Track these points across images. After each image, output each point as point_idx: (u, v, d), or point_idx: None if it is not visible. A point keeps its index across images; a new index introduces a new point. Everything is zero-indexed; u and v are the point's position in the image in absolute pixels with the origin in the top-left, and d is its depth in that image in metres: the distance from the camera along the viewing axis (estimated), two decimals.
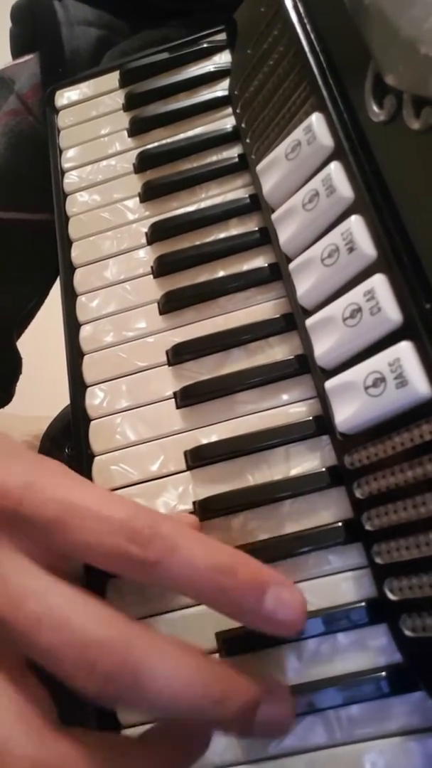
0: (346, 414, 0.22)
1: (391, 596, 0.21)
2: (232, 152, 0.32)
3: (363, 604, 0.23)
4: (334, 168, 0.24)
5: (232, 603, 0.20)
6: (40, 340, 0.51)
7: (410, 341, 0.20)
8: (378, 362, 0.21)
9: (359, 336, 0.22)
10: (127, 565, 0.20)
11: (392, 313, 0.21)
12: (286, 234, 0.25)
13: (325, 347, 0.23)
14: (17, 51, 0.42)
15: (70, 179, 0.35)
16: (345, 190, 0.23)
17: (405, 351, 0.20)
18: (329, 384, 0.23)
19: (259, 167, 0.27)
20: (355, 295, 0.22)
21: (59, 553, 0.21)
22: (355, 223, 0.22)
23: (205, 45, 0.35)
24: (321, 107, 0.25)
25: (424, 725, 0.21)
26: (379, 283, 0.21)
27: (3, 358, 0.48)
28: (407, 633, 0.21)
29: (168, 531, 0.20)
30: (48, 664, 0.19)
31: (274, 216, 0.26)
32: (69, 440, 0.39)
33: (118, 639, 0.19)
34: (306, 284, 0.24)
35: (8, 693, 0.19)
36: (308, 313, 0.25)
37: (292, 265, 0.25)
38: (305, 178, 0.25)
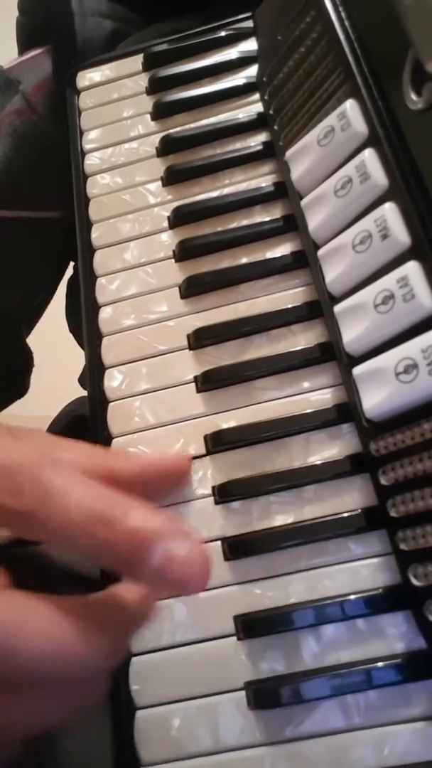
0: (375, 400, 0.22)
1: (415, 582, 0.21)
2: (258, 139, 0.32)
3: (382, 590, 0.23)
4: (369, 155, 0.24)
5: (112, 557, 0.18)
6: (40, 341, 0.51)
7: None
8: (411, 349, 0.21)
9: (391, 322, 0.22)
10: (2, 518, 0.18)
11: (426, 300, 0.21)
12: (315, 220, 0.25)
13: (354, 333, 0.23)
14: (24, 41, 0.42)
15: (91, 161, 0.34)
16: (379, 177, 0.23)
17: None
18: (357, 370, 0.23)
19: (288, 153, 0.27)
20: (388, 281, 0.22)
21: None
22: (390, 211, 0.22)
23: (230, 32, 0.35)
24: (356, 94, 0.25)
25: None
26: (412, 270, 0.21)
27: (14, 352, 0.48)
28: None
29: (47, 478, 0.18)
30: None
31: (303, 202, 0.26)
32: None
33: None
34: (335, 271, 0.24)
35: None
36: (336, 300, 0.25)
37: (321, 252, 0.25)
38: (338, 164, 0.25)
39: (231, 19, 0.35)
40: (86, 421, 0.30)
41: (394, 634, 0.22)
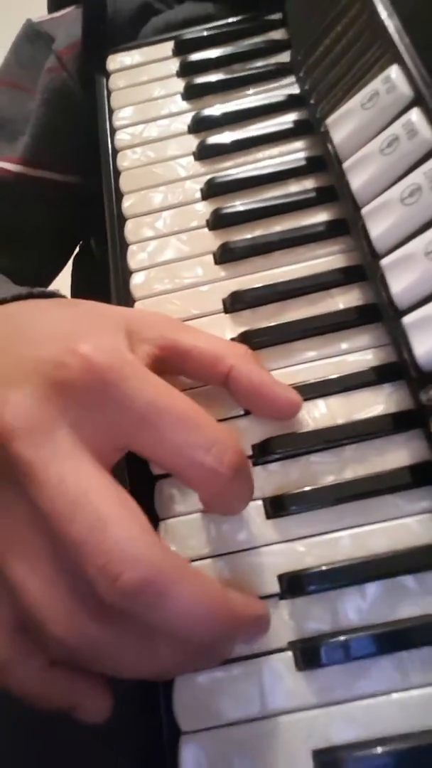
0: (429, 346, 0.22)
1: None
2: (291, 117, 0.32)
3: None
4: (416, 114, 0.24)
5: None
6: None
7: None
8: None
9: None
10: (203, 475, 0.20)
11: None
12: (360, 180, 0.26)
13: (403, 284, 0.23)
14: (55, 4, 0.43)
15: (122, 136, 0.35)
16: (427, 132, 0.23)
17: None
18: (408, 319, 0.23)
19: (329, 120, 0.28)
20: None
21: (125, 448, 0.20)
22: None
23: (259, 22, 0.36)
24: (398, 60, 0.25)
25: None
26: None
27: None
28: None
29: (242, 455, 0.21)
30: (72, 555, 0.18)
31: (346, 164, 0.27)
32: None
33: (146, 558, 0.18)
34: (382, 226, 0.24)
35: (41, 555, 0.19)
36: (382, 256, 0.25)
37: (365, 209, 0.25)
38: (383, 126, 0.25)
39: (259, 12, 0.37)
40: None
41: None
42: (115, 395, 0.20)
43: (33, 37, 0.41)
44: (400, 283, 0.23)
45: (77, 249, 0.50)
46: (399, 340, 0.23)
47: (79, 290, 0.51)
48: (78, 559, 0.18)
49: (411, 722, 0.20)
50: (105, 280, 0.31)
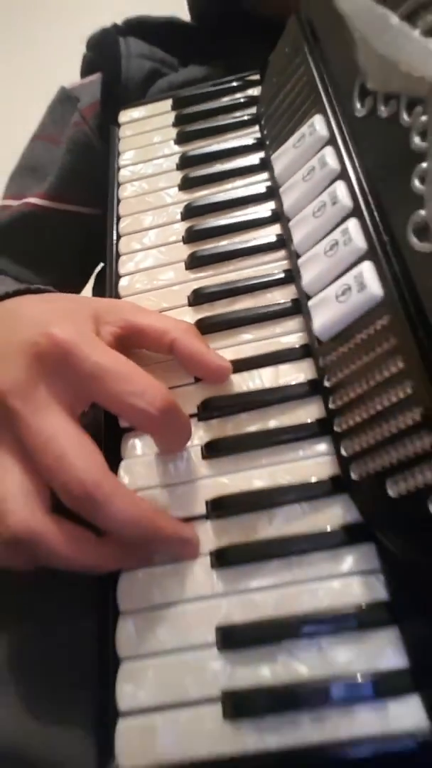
0: (322, 320, 0.28)
1: (354, 476, 0.26)
2: (256, 157, 0.40)
3: (329, 478, 0.28)
4: (328, 151, 0.31)
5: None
6: None
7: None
8: (346, 278, 0.27)
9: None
10: (140, 416, 0.27)
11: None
12: (288, 201, 0.33)
13: (310, 278, 0.30)
14: (85, 70, 0.53)
15: (124, 173, 0.43)
16: (333, 163, 0.31)
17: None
18: (311, 302, 0.29)
19: (274, 155, 0.35)
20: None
21: (86, 400, 0.28)
22: (339, 187, 0.30)
23: (241, 82, 0.45)
24: (321, 110, 0.33)
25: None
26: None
27: None
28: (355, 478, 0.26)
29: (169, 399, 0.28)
30: (43, 474, 0.26)
31: (282, 190, 0.34)
32: None
33: (91, 478, 0.25)
34: (301, 234, 0.31)
35: (19, 470, 0.26)
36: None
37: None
38: (308, 158, 0.33)
39: (245, 74, 0.45)
40: None
41: (332, 514, 0.27)
42: (73, 361, 0.27)
43: (64, 99, 0.52)
44: (309, 278, 0.30)
45: (98, 268, 0.59)
46: (308, 322, 0.30)
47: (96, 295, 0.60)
48: (47, 476, 0.26)
49: (284, 610, 0.26)
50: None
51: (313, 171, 0.31)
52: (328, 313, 0.28)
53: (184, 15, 0.53)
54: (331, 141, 0.32)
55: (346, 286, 0.27)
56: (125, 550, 0.28)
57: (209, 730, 0.24)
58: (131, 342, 0.31)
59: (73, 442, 0.26)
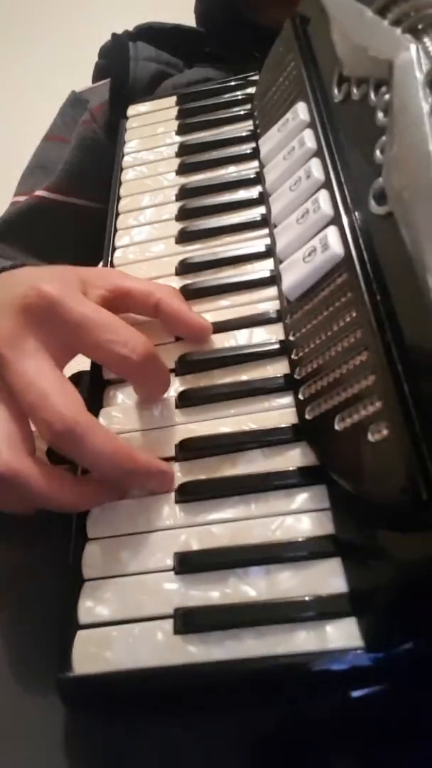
0: (289, 281, 0.30)
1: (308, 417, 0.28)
2: (248, 147, 0.43)
3: (290, 425, 0.30)
4: (307, 133, 0.34)
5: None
6: None
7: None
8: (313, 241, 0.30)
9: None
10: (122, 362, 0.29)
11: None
12: (270, 179, 0.36)
13: (284, 244, 0.32)
14: (96, 76, 0.57)
15: (128, 159, 0.47)
16: (311, 143, 0.33)
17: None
18: (282, 265, 0.32)
19: (261, 140, 0.38)
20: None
21: (71, 349, 0.30)
22: (314, 163, 0.32)
23: (239, 81, 0.48)
24: (305, 98, 0.36)
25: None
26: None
27: None
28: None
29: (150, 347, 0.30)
30: (27, 413, 0.28)
31: (265, 170, 0.37)
32: None
33: (71, 415, 0.27)
34: (278, 207, 0.34)
35: (4, 415, 0.28)
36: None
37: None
38: (290, 140, 0.35)
39: (244, 75, 0.49)
40: None
41: (291, 456, 0.29)
42: (59, 311, 0.29)
43: (75, 102, 0.56)
44: (282, 245, 0.32)
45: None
46: (280, 286, 0.32)
47: None
48: (30, 415, 0.28)
49: (238, 541, 0.27)
50: None
51: (293, 150, 0.34)
52: (296, 273, 0.30)
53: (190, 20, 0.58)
54: (311, 125, 0.35)
55: (312, 248, 0.30)
56: (103, 488, 0.30)
57: (160, 642, 0.26)
58: (118, 305, 0.33)
59: (56, 384, 0.28)
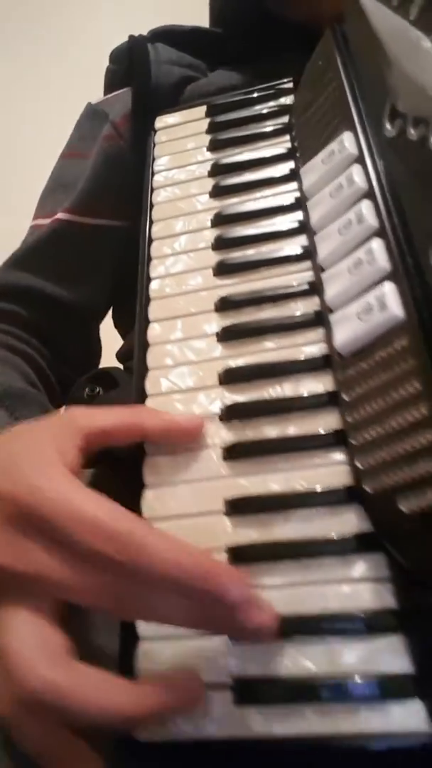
0: (344, 336, 0.29)
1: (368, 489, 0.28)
2: (286, 167, 0.41)
3: (343, 488, 0.29)
4: (356, 170, 0.32)
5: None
6: None
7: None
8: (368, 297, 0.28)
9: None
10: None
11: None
12: (315, 216, 0.34)
13: (334, 292, 0.31)
14: (109, 85, 0.54)
15: (158, 178, 0.45)
16: (361, 181, 0.32)
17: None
18: (333, 317, 0.30)
19: (303, 169, 0.36)
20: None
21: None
22: (366, 206, 0.31)
23: (273, 91, 0.46)
24: (351, 128, 0.34)
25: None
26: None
27: (87, 347, 0.57)
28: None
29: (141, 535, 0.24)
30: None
31: (309, 204, 0.35)
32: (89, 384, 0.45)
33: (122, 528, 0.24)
34: (326, 249, 0.32)
35: (37, 625, 0.25)
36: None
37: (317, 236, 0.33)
38: (336, 175, 0.34)
39: (277, 82, 0.46)
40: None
41: (346, 521, 0.29)
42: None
43: (91, 115, 0.53)
44: (333, 293, 0.31)
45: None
46: (329, 335, 0.31)
47: (117, 307, 0.61)
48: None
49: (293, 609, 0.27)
50: None
51: (341, 188, 0.32)
52: (349, 329, 0.29)
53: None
54: (359, 159, 0.33)
55: (368, 305, 0.28)
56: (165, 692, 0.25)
57: (218, 713, 0.26)
58: (98, 446, 0.30)
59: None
